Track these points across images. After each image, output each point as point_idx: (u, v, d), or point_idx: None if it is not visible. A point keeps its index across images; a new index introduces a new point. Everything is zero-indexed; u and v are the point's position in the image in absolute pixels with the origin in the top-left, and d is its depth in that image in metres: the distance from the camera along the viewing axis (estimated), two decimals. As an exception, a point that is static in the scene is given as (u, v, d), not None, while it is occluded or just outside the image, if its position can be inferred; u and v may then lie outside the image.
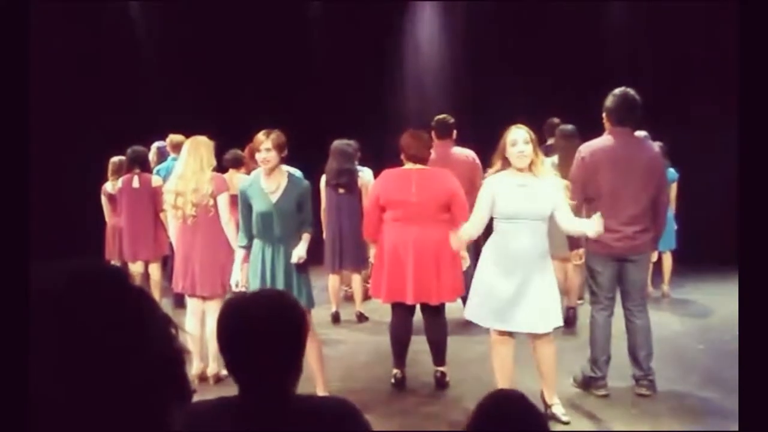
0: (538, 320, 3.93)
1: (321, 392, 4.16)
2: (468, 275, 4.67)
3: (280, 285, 4.09)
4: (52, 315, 0.63)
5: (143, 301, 0.70)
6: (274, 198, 4.15)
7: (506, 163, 3.91)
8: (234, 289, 4.30)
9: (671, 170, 6.64)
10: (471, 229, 4.01)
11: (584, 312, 5.16)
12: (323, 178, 6.24)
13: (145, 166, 6.23)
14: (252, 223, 4.21)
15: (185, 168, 4.65)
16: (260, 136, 4.15)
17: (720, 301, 6.63)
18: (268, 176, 4.18)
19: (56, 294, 0.65)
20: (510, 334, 4.03)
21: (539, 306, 3.90)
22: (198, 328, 4.69)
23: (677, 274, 7.02)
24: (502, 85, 8.28)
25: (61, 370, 0.62)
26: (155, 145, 6.96)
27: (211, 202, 4.61)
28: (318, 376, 4.25)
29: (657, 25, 8.27)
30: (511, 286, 3.89)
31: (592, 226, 3.84)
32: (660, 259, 6.90)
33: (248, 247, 4.26)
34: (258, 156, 4.16)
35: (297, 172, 4.86)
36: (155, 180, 6.10)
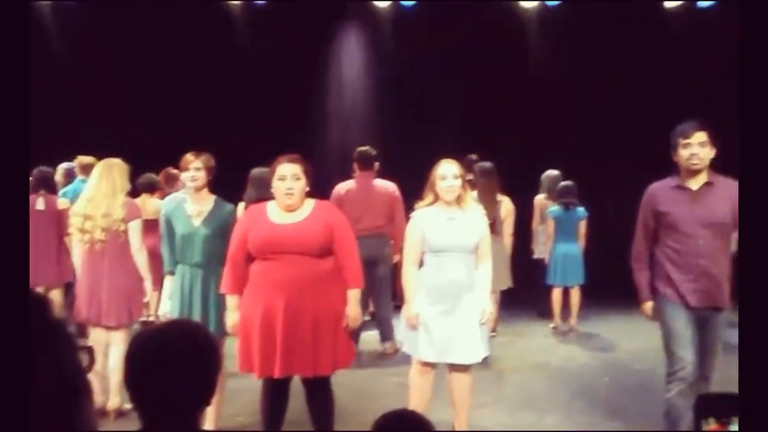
0: (471, 351, 3.97)
1: (210, 425, 4.04)
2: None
3: (196, 311, 4.02)
4: None
5: (59, 331, 0.68)
6: (197, 222, 4.09)
7: (437, 197, 3.98)
8: (162, 320, 4.13)
9: (580, 209, 6.94)
10: (409, 266, 4.02)
11: (496, 344, 5.24)
12: (240, 206, 6.13)
13: (51, 188, 5.96)
14: (174, 247, 4.12)
15: (95, 191, 4.47)
16: (189, 156, 4.13)
17: (624, 334, 6.89)
18: (193, 199, 4.13)
19: None
20: (433, 365, 4.04)
21: (471, 337, 3.95)
22: (101, 359, 4.47)
23: (584, 309, 7.26)
24: (426, 118, 8.41)
25: None
26: (62, 166, 6.72)
27: (122, 227, 4.44)
28: (212, 409, 4.04)
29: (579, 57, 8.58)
30: (446, 319, 3.91)
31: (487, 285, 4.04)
32: (568, 293, 7.15)
33: (174, 273, 4.15)
34: (185, 175, 4.12)
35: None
36: (61, 203, 5.84)
